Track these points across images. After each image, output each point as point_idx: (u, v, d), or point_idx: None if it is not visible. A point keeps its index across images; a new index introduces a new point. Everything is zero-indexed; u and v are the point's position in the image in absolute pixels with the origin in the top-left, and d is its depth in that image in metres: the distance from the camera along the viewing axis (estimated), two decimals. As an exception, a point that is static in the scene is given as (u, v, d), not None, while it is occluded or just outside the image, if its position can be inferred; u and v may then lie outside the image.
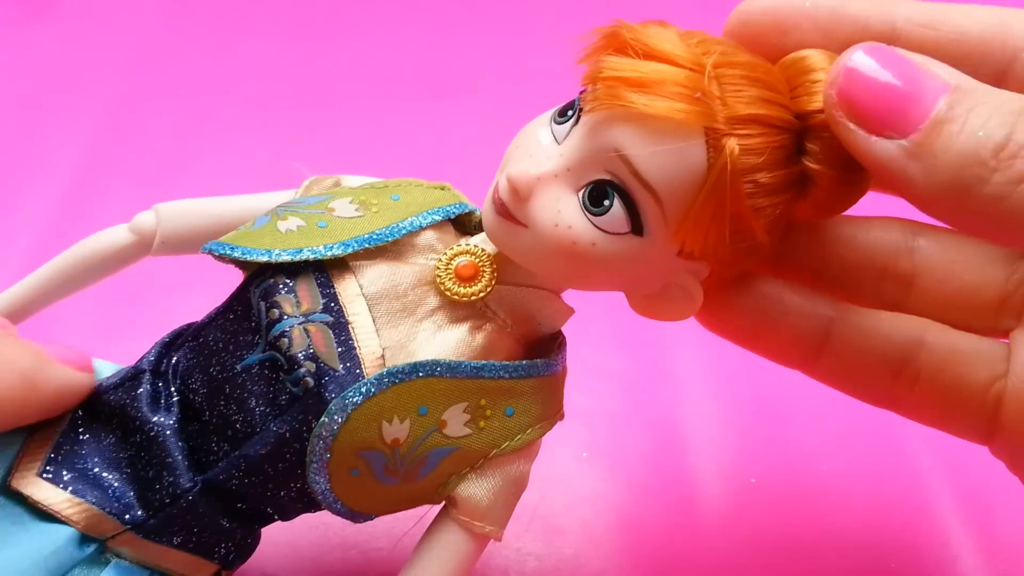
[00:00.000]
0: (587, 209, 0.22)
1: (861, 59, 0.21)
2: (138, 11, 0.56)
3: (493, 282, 0.24)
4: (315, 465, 0.23)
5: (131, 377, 0.25)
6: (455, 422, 0.24)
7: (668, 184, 0.22)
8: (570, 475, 0.35)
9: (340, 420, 0.23)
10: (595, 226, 0.22)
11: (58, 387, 0.24)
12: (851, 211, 0.25)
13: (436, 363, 0.23)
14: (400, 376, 0.23)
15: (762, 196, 0.22)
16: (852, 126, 0.21)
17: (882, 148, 0.21)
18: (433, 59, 0.53)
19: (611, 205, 0.22)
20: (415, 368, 0.23)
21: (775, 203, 0.22)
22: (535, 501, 0.34)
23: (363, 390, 0.23)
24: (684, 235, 0.22)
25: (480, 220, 0.25)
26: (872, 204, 0.25)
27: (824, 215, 0.24)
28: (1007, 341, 0.26)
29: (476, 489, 0.24)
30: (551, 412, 0.26)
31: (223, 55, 0.53)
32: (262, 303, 0.24)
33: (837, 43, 0.23)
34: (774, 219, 0.23)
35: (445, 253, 0.25)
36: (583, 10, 0.55)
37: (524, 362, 0.25)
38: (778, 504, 0.35)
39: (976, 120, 0.20)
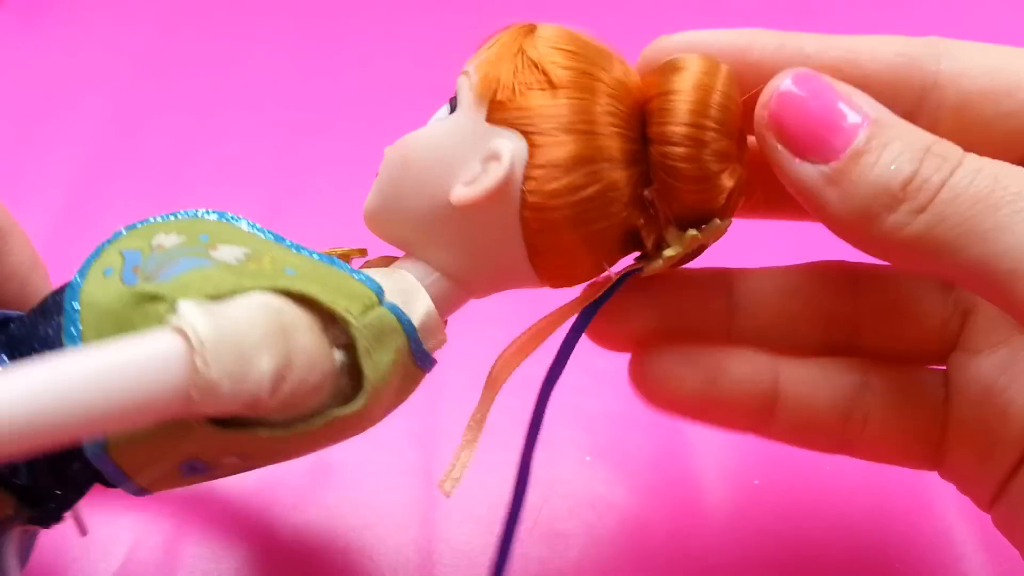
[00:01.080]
0: None
1: (792, 85, 0.23)
2: (139, 19, 0.56)
3: None
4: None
5: None
6: (228, 254, 0.22)
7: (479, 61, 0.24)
8: (573, 479, 0.35)
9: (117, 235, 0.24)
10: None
11: None
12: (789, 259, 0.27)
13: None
14: (200, 214, 0.24)
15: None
16: (779, 148, 0.22)
17: (804, 172, 0.22)
18: (433, 66, 0.53)
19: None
20: (222, 214, 0.24)
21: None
22: (538, 505, 0.34)
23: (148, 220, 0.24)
24: (482, 84, 0.23)
25: None
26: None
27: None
28: (942, 367, 0.27)
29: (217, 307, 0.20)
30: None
31: (224, 64, 0.53)
32: None
33: (743, 89, 0.24)
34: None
35: None
36: (583, 10, 0.55)
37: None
38: (782, 506, 0.35)
39: (889, 155, 0.21)
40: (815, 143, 0.22)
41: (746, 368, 0.27)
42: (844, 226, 0.22)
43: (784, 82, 0.23)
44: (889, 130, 0.22)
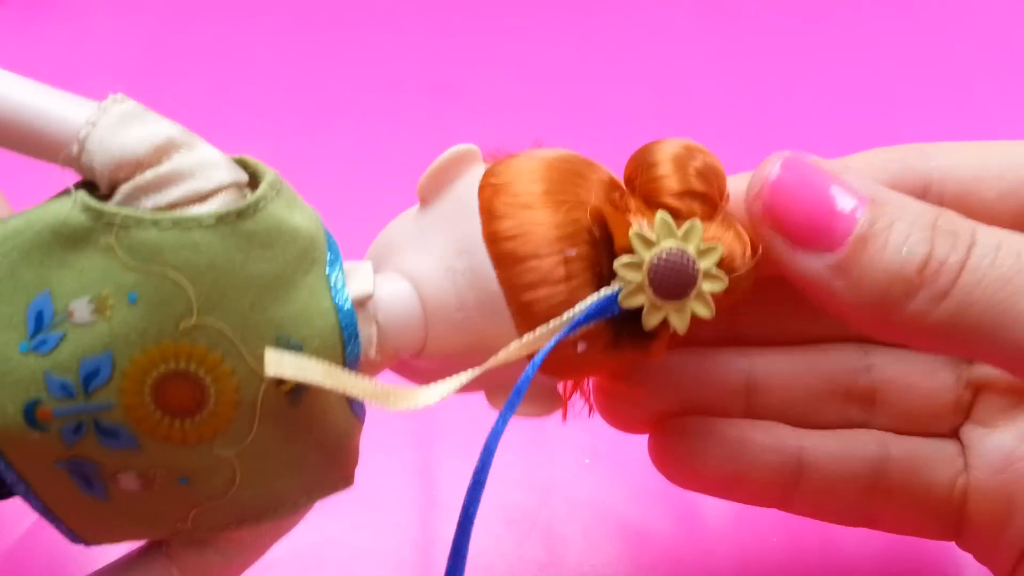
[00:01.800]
0: None
1: (782, 171, 0.22)
2: (140, 15, 0.56)
3: None
4: None
5: None
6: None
7: None
8: (572, 482, 0.35)
9: None
10: None
11: None
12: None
13: None
14: None
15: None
16: (778, 240, 0.22)
17: (809, 265, 0.21)
18: (436, 60, 0.53)
19: None
20: None
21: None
22: (536, 508, 0.34)
23: None
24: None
25: None
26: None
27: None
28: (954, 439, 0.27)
29: None
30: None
31: (225, 60, 0.53)
32: None
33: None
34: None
35: None
36: (584, 10, 0.55)
37: None
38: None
39: (898, 237, 0.20)
40: (815, 232, 0.21)
41: (769, 441, 0.26)
42: (859, 316, 0.21)
43: (773, 169, 0.22)
44: (890, 208, 0.21)
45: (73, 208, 0.20)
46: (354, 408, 0.23)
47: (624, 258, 0.22)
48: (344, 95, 0.51)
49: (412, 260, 0.23)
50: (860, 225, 0.20)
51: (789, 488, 0.26)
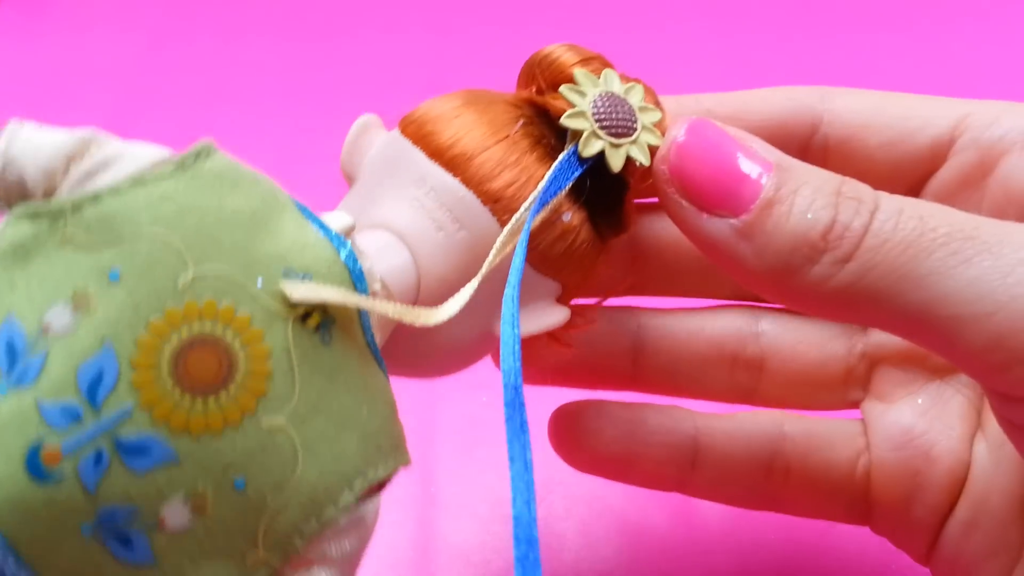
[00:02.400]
0: None
1: (688, 134, 0.22)
2: (140, 15, 0.56)
3: None
4: None
5: None
6: None
7: None
8: (569, 479, 0.35)
9: None
10: None
11: None
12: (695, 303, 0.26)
13: None
14: None
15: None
16: (684, 204, 0.21)
17: (713, 227, 0.21)
18: (436, 62, 0.53)
19: None
20: None
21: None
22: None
23: None
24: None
25: None
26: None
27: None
28: (859, 414, 0.27)
29: None
30: None
31: (226, 59, 0.53)
32: None
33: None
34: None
35: None
36: (586, 10, 0.55)
37: None
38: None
39: (802, 202, 0.20)
40: (721, 196, 0.21)
41: (663, 422, 0.27)
42: (762, 280, 0.21)
43: (679, 133, 0.22)
44: (795, 174, 0.21)
45: (8, 225, 0.18)
46: (379, 361, 0.21)
47: (568, 111, 0.22)
48: (343, 94, 0.51)
49: (374, 212, 0.23)
50: (766, 189, 0.20)
51: (685, 470, 0.27)
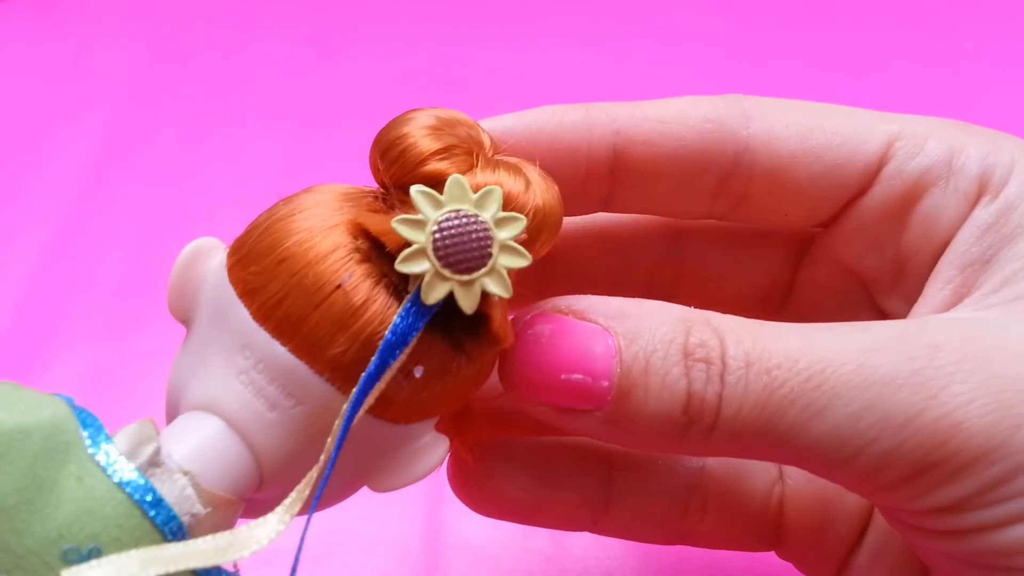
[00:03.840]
0: None
1: (525, 348, 0.21)
2: (150, 13, 0.56)
3: None
4: None
5: None
6: None
7: None
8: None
9: None
10: None
11: None
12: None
13: None
14: None
15: None
16: (546, 410, 0.21)
17: (581, 423, 0.21)
18: (443, 60, 0.53)
19: None
20: None
21: None
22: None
23: None
24: None
25: None
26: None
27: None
28: None
29: None
30: None
31: (234, 57, 0.53)
32: None
33: (562, 176, 0.22)
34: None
35: None
36: (588, 10, 0.55)
37: None
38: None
39: (655, 380, 0.20)
40: (577, 399, 0.20)
41: (576, 463, 0.25)
42: (646, 450, 0.21)
43: (523, 344, 0.21)
44: (640, 342, 0.20)
45: None
46: None
47: (403, 253, 0.19)
48: (352, 93, 0.51)
49: (201, 388, 0.20)
50: (617, 378, 0.20)
51: (600, 509, 0.26)
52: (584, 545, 0.33)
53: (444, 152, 0.20)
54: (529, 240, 0.20)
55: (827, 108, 0.24)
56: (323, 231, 0.20)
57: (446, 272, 0.19)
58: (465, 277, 0.19)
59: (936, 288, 0.23)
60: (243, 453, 0.20)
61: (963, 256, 0.23)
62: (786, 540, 0.27)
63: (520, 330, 0.21)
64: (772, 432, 0.20)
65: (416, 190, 0.20)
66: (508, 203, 0.20)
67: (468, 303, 0.19)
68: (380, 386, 0.19)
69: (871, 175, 0.24)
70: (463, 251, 0.19)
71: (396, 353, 0.19)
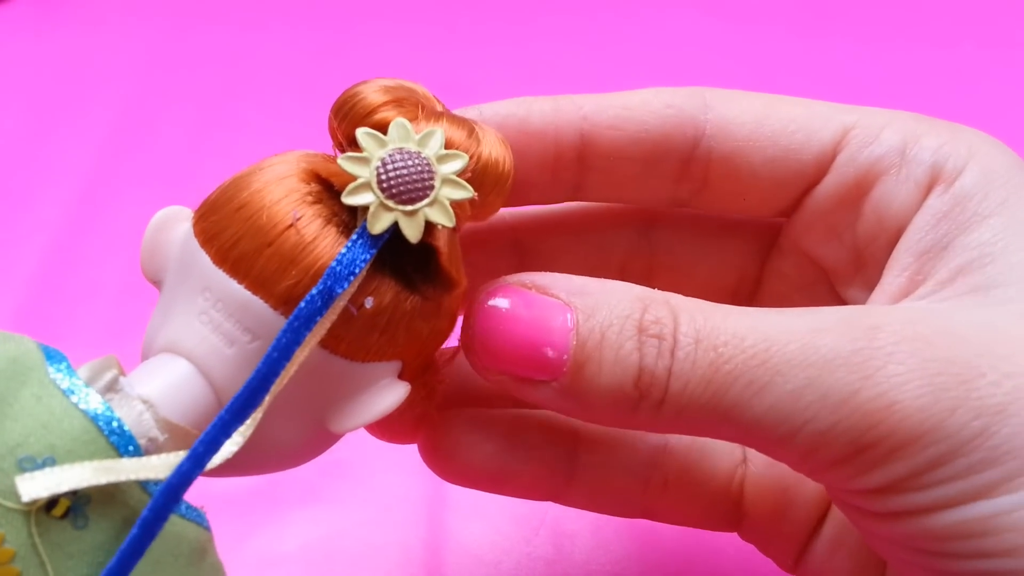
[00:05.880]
0: None
1: (482, 321, 0.21)
2: (153, 11, 0.56)
3: None
4: None
5: None
6: None
7: None
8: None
9: None
10: None
11: None
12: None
13: None
14: None
15: None
16: (503, 378, 0.21)
17: (538, 393, 0.21)
18: (443, 57, 0.53)
19: None
20: None
21: None
22: (545, 506, 0.34)
23: None
24: None
25: None
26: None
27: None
28: None
29: None
30: None
31: (237, 55, 0.53)
32: None
33: (532, 163, 0.24)
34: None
35: None
36: (593, 9, 0.55)
37: None
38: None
39: (609, 354, 0.21)
40: (534, 369, 0.21)
41: (544, 435, 0.26)
42: (601, 423, 0.22)
43: (482, 313, 0.21)
44: (598, 317, 0.21)
45: None
46: (187, 514, 0.20)
47: (348, 187, 0.20)
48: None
49: (165, 332, 0.21)
50: (573, 349, 0.21)
51: (564, 481, 0.26)
52: (586, 550, 0.33)
53: (392, 103, 0.22)
54: (475, 187, 0.21)
55: (786, 98, 0.25)
56: (278, 180, 0.21)
57: (390, 203, 0.20)
58: (409, 208, 0.20)
59: (892, 275, 0.23)
60: (203, 387, 0.20)
61: (919, 244, 0.23)
62: (746, 523, 0.27)
63: (482, 300, 0.22)
64: (717, 407, 0.20)
65: (362, 131, 0.21)
66: (450, 147, 0.21)
67: (413, 232, 0.20)
68: (330, 316, 0.20)
69: (826, 162, 0.24)
70: (406, 183, 0.20)
71: (344, 284, 0.20)
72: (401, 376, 0.22)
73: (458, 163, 0.21)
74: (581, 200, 0.26)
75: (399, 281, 0.21)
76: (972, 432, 0.19)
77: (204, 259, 0.20)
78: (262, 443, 0.20)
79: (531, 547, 0.33)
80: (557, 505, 0.34)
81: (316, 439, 0.22)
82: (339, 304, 0.20)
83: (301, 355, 0.20)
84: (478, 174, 0.22)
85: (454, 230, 0.22)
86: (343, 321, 0.20)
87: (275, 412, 0.20)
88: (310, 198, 0.20)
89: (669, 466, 0.27)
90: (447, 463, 0.26)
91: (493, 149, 0.22)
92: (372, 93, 0.22)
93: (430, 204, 0.20)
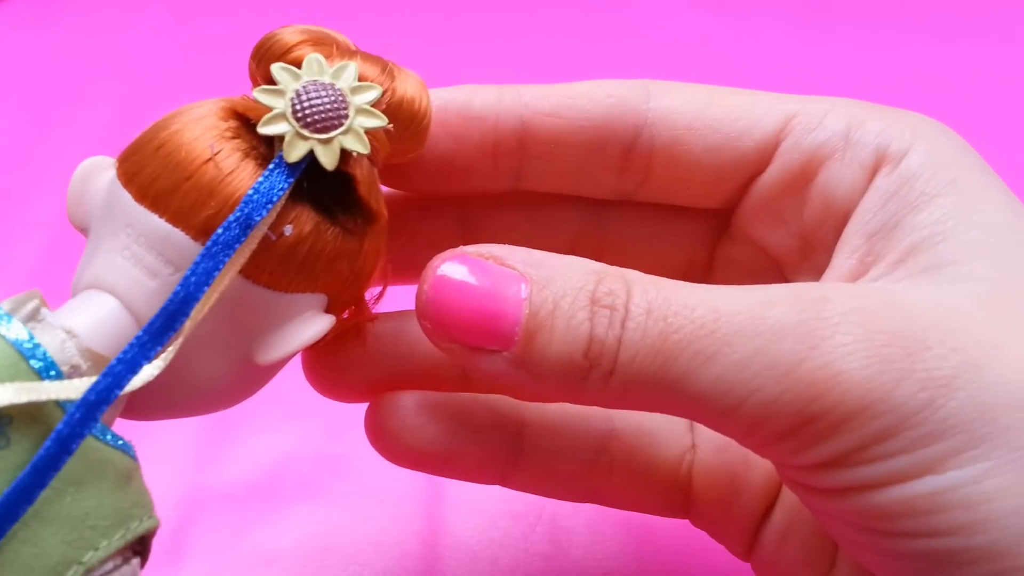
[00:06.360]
0: None
1: (434, 288, 0.21)
2: (151, 8, 0.56)
3: None
4: None
5: None
6: None
7: None
8: (578, 475, 0.35)
9: None
10: None
11: None
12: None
13: None
14: None
15: None
16: (456, 347, 0.21)
17: (489, 363, 0.21)
18: (441, 57, 0.53)
19: None
20: None
21: None
22: (541, 501, 0.34)
23: None
24: None
25: None
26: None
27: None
28: None
29: None
30: None
31: (233, 54, 0.53)
32: None
33: (472, 147, 0.24)
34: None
35: None
36: (590, 5, 0.55)
37: None
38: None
39: (561, 323, 0.21)
40: (485, 337, 0.21)
41: (489, 418, 0.26)
42: (547, 398, 0.22)
43: (426, 286, 0.21)
44: (551, 287, 0.21)
45: None
46: (112, 442, 0.20)
47: (264, 118, 0.21)
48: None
49: (90, 271, 0.21)
50: (525, 318, 0.20)
51: (508, 465, 0.26)
52: (583, 546, 0.33)
53: (308, 42, 0.22)
54: (390, 120, 0.22)
55: (729, 89, 0.25)
56: (197, 119, 0.21)
57: (305, 132, 0.21)
58: (324, 136, 0.21)
59: (842, 258, 0.23)
60: (126, 319, 0.21)
61: (867, 224, 0.23)
62: (695, 509, 0.27)
63: (435, 265, 0.22)
64: (665, 378, 0.20)
65: (276, 66, 0.21)
66: (363, 80, 0.22)
67: (328, 159, 0.21)
68: (250, 244, 0.20)
69: (769, 150, 0.24)
70: (320, 112, 0.21)
71: (262, 212, 0.20)
72: (327, 311, 0.22)
73: (371, 94, 0.22)
74: (523, 189, 0.26)
75: (319, 211, 0.21)
76: (918, 404, 0.19)
77: (126, 197, 0.21)
78: (188, 377, 0.21)
79: (528, 543, 0.33)
80: (554, 501, 0.34)
81: (243, 374, 0.22)
82: (258, 232, 0.20)
83: (222, 282, 0.20)
84: (392, 107, 0.22)
85: (372, 163, 0.22)
86: (263, 249, 0.20)
87: (200, 344, 0.21)
88: (228, 133, 0.21)
89: (615, 450, 0.27)
90: (394, 446, 0.26)
91: (408, 86, 0.23)
92: (289, 34, 0.22)
93: (344, 132, 0.21)
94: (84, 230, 0.22)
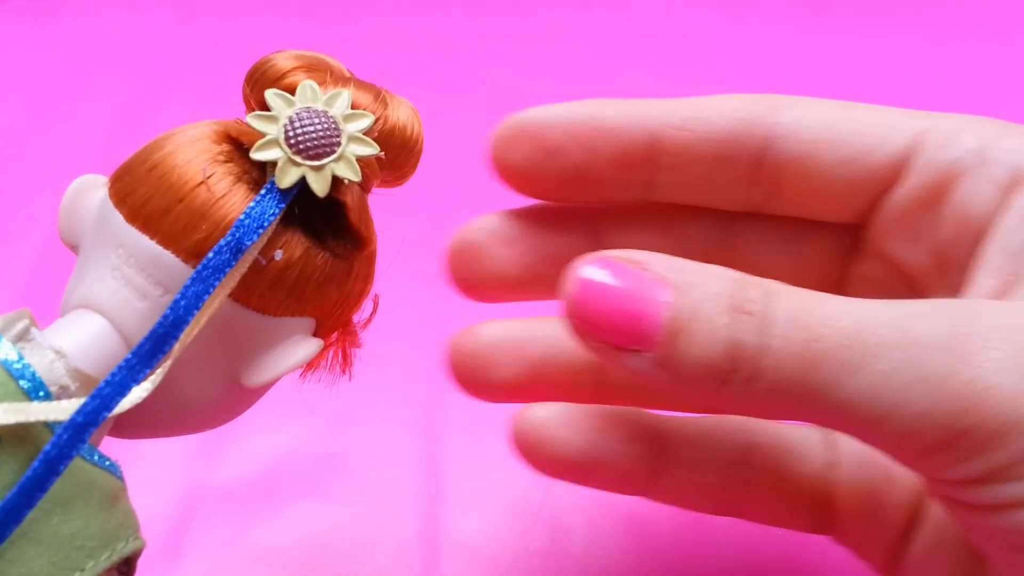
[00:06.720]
0: None
1: (579, 290, 0.21)
2: (148, 12, 0.56)
3: None
4: None
5: None
6: None
7: None
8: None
9: None
10: None
11: None
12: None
13: None
14: None
15: None
16: (601, 346, 0.21)
17: (634, 362, 0.21)
18: (441, 55, 0.53)
19: None
20: None
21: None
22: (541, 499, 0.34)
23: None
24: None
25: None
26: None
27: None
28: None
29: None
30: None
31: (233, 54, 0.53)
32: None
33: (604, 159, 0.25)
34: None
35: None
36: (590, 3, 0.55)
37: None
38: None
39: (703, 326, 0.21)
40: (628, 338, 0.21)
41: (631, 431, 0.27)
42: (690, 397, 0.22)
43: (578, 281, 0.21)
44: (693, 293, 0.21)
45: None
46: (99, 463, 0.20)
47: (256, 143, 0.21)
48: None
49: (80, 290, 0.22)
50: (667, 320, 0.21)
51: (651, 477, 0.27)
52: (582, 543, 0.33)
53: (302, 68, 0.22)
54: (382, 148, 0.22)
55: (857, 104, 0.25)
56: (190, 141, 0.21)
57: (298, 159, 0.21)
58: (316, 163, 0.21)
59: (983, 277, 0.23)
60: (115, 340, 0.21)
61: (1008, 244, 0.23)
62: (839, 525, 0.27)
63: (579, 268, 0.22)
64: (809, 386, 0.20)
65: (270, 92, 0.21)
66: (356, 108, 0.22)
67: (320, 186, 0.21)
68: (240, 268, 0.20)
69: (900, 165, 0.24)
70: (313, 139, 0.21)
71: (253, 237, 0.20)
72: (315, 334, 0.22)
73: (364, 122, 0.22)
74: (654, 200, 0.26)
75: (309, 237, 0.21)
76: None
77: (117, 218, 0.21)
78: (176, 398, 0.21)
79: (528, 541, 0.33)
80: (554, 499, 0.34)
81: (230, 395, 0.22)
82: (249, 256, 0.20)
83: (212, 305, 0.20)
84: (384, 135, 0.22)
85: (363, 190, 0.22)
86: (254, 273, 0.20)
87: (188, 366, 0.21)
88: (221, 157, 0.21)
89: (756, 465, 0.27)
90: (538, 454, 0.27)
91: (400, 114, 0.23)
92: (283, 59, 0.23)
93: (336, 160, 0.21)
94: (74, 247, 0.23)
